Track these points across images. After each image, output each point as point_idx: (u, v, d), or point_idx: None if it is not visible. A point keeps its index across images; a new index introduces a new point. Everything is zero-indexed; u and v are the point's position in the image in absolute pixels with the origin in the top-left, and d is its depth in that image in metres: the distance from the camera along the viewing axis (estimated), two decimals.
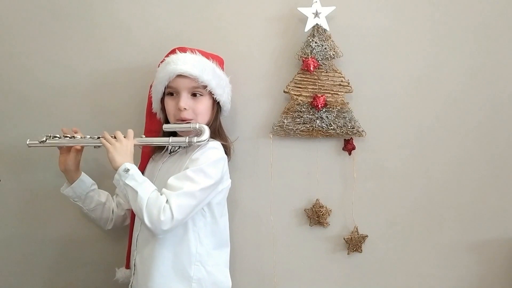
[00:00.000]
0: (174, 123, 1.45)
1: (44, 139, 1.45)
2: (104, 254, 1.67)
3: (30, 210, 1.70)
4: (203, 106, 1.45)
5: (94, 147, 1.44)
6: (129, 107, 1.64)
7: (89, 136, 1.44)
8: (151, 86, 1.52)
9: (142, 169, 1.52)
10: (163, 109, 1.49)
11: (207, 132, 1.40)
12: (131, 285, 1.45)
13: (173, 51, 1.46)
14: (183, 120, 1.43)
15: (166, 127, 1.44)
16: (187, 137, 1.40)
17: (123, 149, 1.36)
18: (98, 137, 1.41)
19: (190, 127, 1.41)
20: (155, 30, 1.64)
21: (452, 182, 1.62)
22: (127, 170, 1.32)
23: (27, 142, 1.46)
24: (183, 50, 1.44)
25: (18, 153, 1.66)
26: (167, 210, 1.27)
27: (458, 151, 1.61)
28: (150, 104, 1.53)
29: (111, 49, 1.66)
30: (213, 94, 1.45)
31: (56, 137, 1.45)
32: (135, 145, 1.40)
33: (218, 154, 1.41)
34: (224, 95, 1.48)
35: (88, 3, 1.66)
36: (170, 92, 1.45)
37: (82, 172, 1.51)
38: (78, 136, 1.45)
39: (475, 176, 1.61)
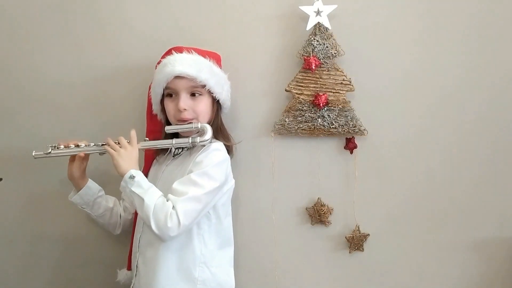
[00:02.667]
0: (176, 124, 1.44)
1: (49, 150, 1.44)
2: (106, 255, 1.67)
3: (32, 210, 1.69)
4: (203, 106, 1.44)
5: (100, 153, 1.43)
6: (134, 107, 1.64)
7: (93, 144, 1.43)
8: (150, 87, 1.51)
9: (146, 171, 1.52)
10: (163, 110, 1.48)
11: (209, 131, 1.40)
12: (132, 287, 1.45)
13: (169, 52, 1.45)
14: (184, 121, 1.43)
15: (168, 128, 1.43)
16: (190, 137, 1.40)
17: (128, 155, 1.36)
18: (103, 144, 1.41)
19: (192, 127, 1.41)
20: (159, 28, 1.64)
21: (453, 181, 1.62)
22: (132, 177, 1.32)
23: (33, 154, 1.45)
24: (179, 50, 1.44)
25: (21, 153, 1.65)
26: (174, 216, 1.27)
27: (459, 150, 1.61)
28: (150, 105, 1.52)
29: (115, 49, 1.66)
30: (212, 93, 1.44)
31: (61, 146, 1.44)
32: (139, 149, 1.41)
33: (221, 156, 1.41)
34: (223, 93, 1.47)
35: (93, 3, 1.66)
36: (169, 93, 1.45)
37: (89, 179, 1.50)
38: (82, 144, 1.44)
39: (476, 175, 1.61)
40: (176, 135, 1.47)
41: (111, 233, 1.60)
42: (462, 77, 1.60)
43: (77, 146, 1.44)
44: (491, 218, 1.62)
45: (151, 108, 1.51)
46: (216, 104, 1.49)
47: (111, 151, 1.37)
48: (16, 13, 1.68)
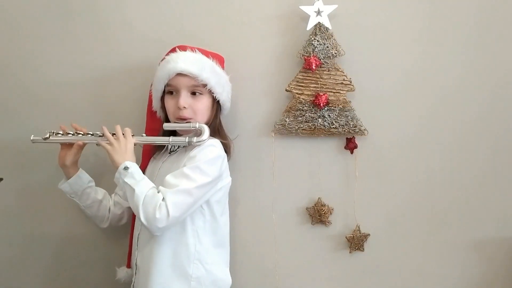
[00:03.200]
0: (174, 122, 1.44)
1: (48, 135, 1.45)
2: (105, 253, 1.67)
3: (31, 208, 1.69)
4: (203, 105, 1.44)
5: (96, 144, 1.44)
6: (134, 107, 1.64)
7: (91, 133, 1.45)
8: (152, 85, 1.51)
9: (143, 168, 1.52)
10: (163, 107, 1.48)
11: (207, 132, 1.40)
12: (133, 285, 1.45)
13: (173, 50, 1.46)
14: (183, 119, 1.43)
15: (166, 126, 1.44)
16: (187, 137, 1.40)
17: (122, 148, 1.37)
18: (101, 135, 1.42)
19: (190, 127, 1.41)
20: (159, 28, 1.64)
21: (453, 180, 1.62)
22: (126, 168, 1.33)
23: (31, 138, 1.47)
24: (183, 48, 1.44)
25: (22, 151, 1.66)
26: (162, 207, 1.27)
27: (460, 149, 1.61)
28: (151, 102, 1.52)
29: (115, 49, 1.65)
30: (212, 93, 1.44)
31: (59, 133, 1.46)
32: (136, 144, 1.41)
33: (216, 152, 1.40)
34: (223, 94, 1.47)
35: (93, 3, 1.66)
36: (170, 90, 1.45)
37: (80, 169, 1.51)
38: (81, 132, 1.45)
39: (476, 174, 1.62)
40: (173, 133, 1.47)
41: (110, 231, 1.60)
42: (462, 77, 1.60)
43: (76, 133, 1.45)
44: (491, 218, 1.62)
45: (152, 106, 1.51)
46: (216, 105, 1.49)
47: (107, 147, 1.37)
48: (16, 13, 1.68)
